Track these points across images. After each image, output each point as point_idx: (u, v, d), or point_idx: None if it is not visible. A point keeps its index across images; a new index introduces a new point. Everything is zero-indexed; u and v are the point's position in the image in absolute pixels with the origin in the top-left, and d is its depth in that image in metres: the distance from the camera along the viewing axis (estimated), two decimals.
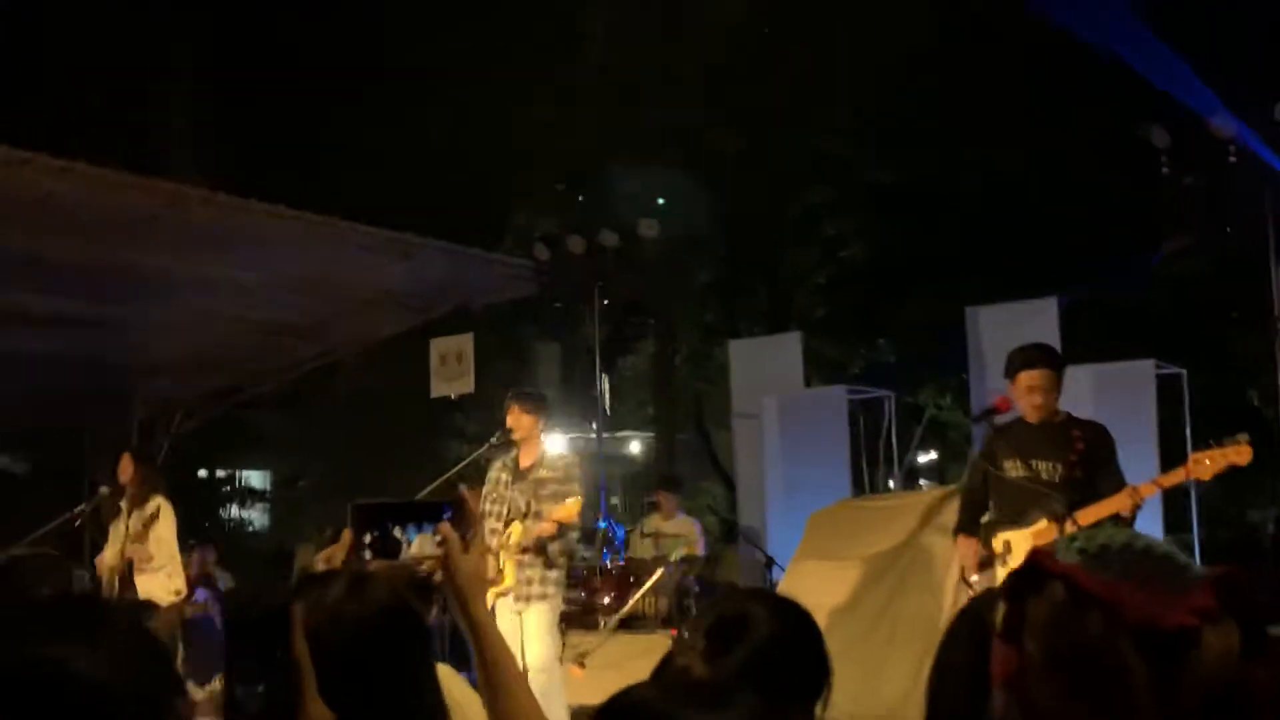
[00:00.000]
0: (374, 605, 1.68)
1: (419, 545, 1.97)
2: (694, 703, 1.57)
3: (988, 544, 5.44)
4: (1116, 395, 8.78)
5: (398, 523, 1.98)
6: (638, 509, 14.77)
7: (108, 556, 7.81)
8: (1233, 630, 1.13)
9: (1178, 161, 9.32)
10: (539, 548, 6.27)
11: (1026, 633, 1.16)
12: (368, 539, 1.96)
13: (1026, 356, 5.43)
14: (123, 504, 7.83)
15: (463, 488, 2.01)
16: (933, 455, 19.34)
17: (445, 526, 1.95)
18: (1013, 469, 5.39)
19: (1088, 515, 4.98)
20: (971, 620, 1.76)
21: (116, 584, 7.57)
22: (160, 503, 7.79)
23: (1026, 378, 5.35)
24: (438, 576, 1.96)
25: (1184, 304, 12.87)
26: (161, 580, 7.66)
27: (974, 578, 5.47)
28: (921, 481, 17.44)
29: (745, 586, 8.39)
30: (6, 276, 8.62)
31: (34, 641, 0.98)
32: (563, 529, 6.27)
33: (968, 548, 5.50)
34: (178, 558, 7.89)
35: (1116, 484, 5.19)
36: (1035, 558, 1.20)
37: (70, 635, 0.99)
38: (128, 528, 7.66)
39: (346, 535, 1.94)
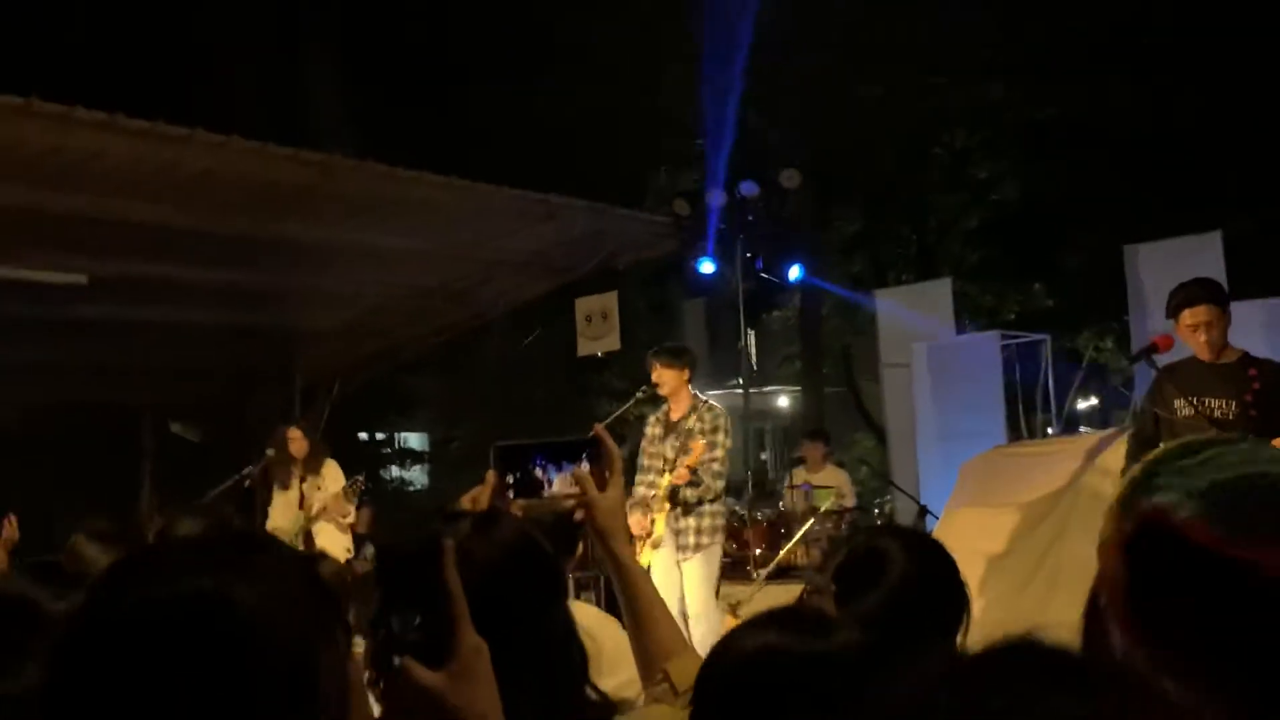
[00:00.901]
0: (500, 544, 1.69)
1: (560, 484, 1.99)
2: (803, 630, 1.57)
3: None
4: None
5: (539, 463, 2.00)
6: (787, 463, 14.69)
7: (283, 524, 8.24)
8: None
9: None
10: (672, 496, 6.29)
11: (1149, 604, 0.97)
12: (510, 479, 1.99)
13: (1187, 293, 5.23)
14: (294, 469, 8.30)
15: (598, 426, 2.01)
16: (1093, 401, 18.79)
17: (580, 468, 1.96)
18: (1183, 408, 5.20)
19: None
20: None
21: (300, 544, 8.02)
22: (331, 465, 8.32)
23: (1190, 315, 5.15)
24: (579, 514, 1.98)
25: None
26: (337, 537, 8.15)
27: None
28: (1082, 428, 16.97)
29: (879, 524, 8.30)
30: (171, 251, 8.98)
31: (193, 573, 1.00)
32: (695, 475, 6.27)
33: None
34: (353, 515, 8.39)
35: None
36: (1151, 517, 0.98)
37: (229, 568, 1.01)
38: (303, 494, 8.11)
39: (490, 476, 1.96)
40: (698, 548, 6.34)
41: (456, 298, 11.53)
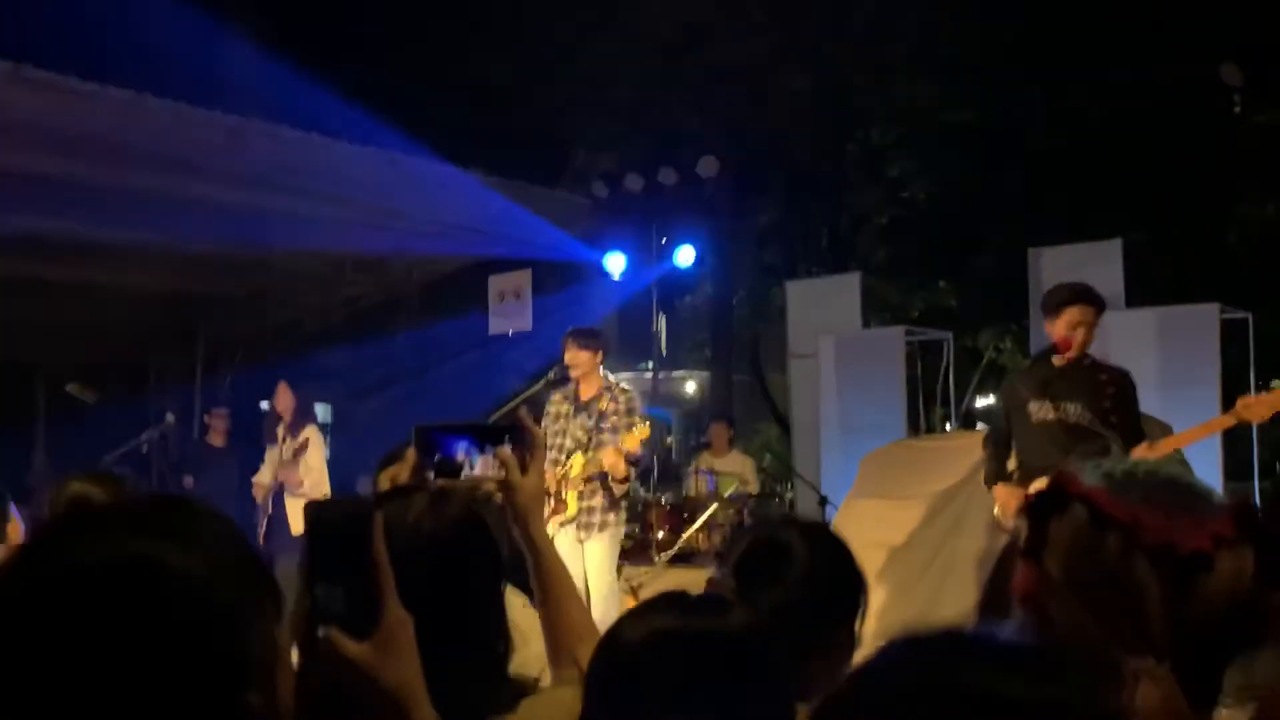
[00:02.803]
0: (450, 521, 1.72)
1: (482, 466, 2.01)
2: (698, 611, 1.60)
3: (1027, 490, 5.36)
4: (1180, 339, 8.68)
5: (461, 445, 2.02)
6: (691, 447, 14.80)
7: (264, 477, 8.37)
8: (1247, 556, 1.16)
9: (1250, 100, 9.09)
10: (600, 478, 6.32)
11: (1047, 552, 1.21)
12: (432, 460, 2.01)
13: (1074, 291, 5.25)
14: (279, 430, 8.33)
15: (522, 411, 2.03)
16: (990, 399, 19.19)
17: (504, 450, 1.99)
18: (1039, 410, 5.22)
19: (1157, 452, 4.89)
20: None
21: (270, 504, 8.16)
22: (311, 432, 8.30)
23: (1076, 312, 5.16)
24: (498, 497, 2.01)
25: (1252, 247, 12.60)
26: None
27: (1012, 524, 5.39)
28: (979, 425, 17.33)
29: (778, 515, 8.41)
30: (76, 207, 8.77)
31: (127, 538, 1.00)
32: (630, 458, 6.30)
33: (1009, 494, 5.30)
34: (325, 484, 8.36)
35: (1138, 434, 5.05)
36: (1059, 480, 1.23)
37: (163, 533, 1.02)
38: (281, 453, 8.15)
39: (410, 455, 1.98)
40: (602, 527, 6.38)
41: (367, 268, 11.43)
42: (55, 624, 0.95)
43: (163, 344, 12.59)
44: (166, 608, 0.98)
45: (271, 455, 8.47)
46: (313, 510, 1.30)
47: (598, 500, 6.37)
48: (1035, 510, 1.24)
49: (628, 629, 1.60)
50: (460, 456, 2.02)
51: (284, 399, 8.37)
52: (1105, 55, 12.41)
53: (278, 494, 8.23)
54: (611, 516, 6.43)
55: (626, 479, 6.38)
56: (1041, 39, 12.92)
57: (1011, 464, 5.50)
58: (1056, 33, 12.79)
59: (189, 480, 9.43)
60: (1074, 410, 5.15)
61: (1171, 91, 11.55)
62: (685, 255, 10.99)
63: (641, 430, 6.27)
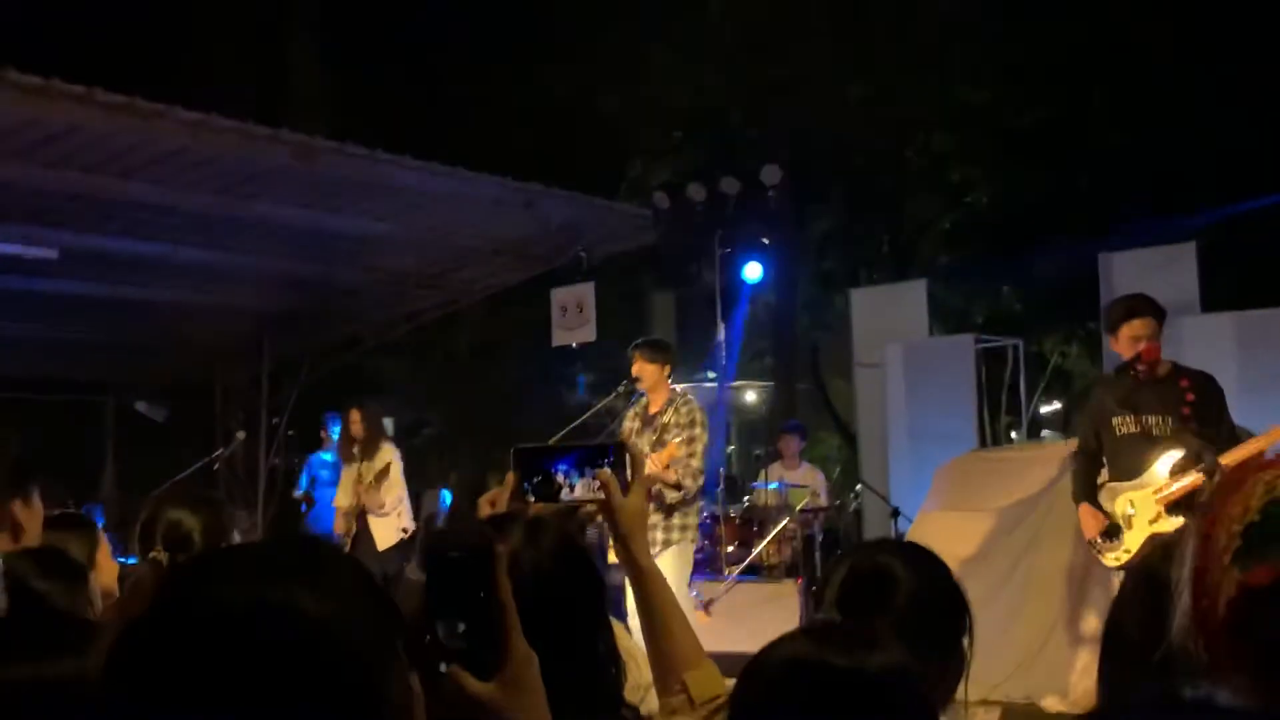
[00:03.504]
0: (549, 553, 1.67)
1: (582, 489, 1.96)
2: (845, 646, 1.55)
3: (1110, 508, 5.29)
4: (1260, 344, 8.50)
5: (559, 467, 1.97)
6: (752, 458, 14.68)
7: (343, 500, 8.57)
8: None
9: None
10: (657, 493, 6.26)
11: (1258, 643, 1.03)
12: (531, 483, 1.96)
13: (1128, 306, 5.31)
14: (355, 451, 8.54)
15: (621, 435, 1.98)
16: (1056, 405, 18.94)
17: (604, 471, 1.93)
18: (1122, 425, 5.27)
19: (1230, 460, 4.82)
20: (1149, 575, 1.69)
21: (354, 524, 8.37)
22: (389, 453, 8.54)
23: (1131, 328, 5.21)
24: (599, 520, 1.95)
25: None
26: (392, 521, 8.41)
27: (1099, 543, 5.32)
28: (1044, 432, 17.10)
29: (872, 539, 8.31)
30: (143, 227, 8.87)
31: (260, 581, 0.97)
32: (676, 473, 6.22)
33: (1089, 517, 5.35)
34: (406, 500, 8.66)
35: (1229, 435, 5.06)
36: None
37: (295, 576, 0.98)
38: (360, 474, 8.37)
39: (510, 478, 1.93)
40: (667, 544, 6.31)
41: (430, 283, 11.47)
42: (191, 674, 0.92)
43: (228, 361, 12.70)
44: (303, 654, 0.94)
45: (348, 475, 8.61)
46: (432, 543, 1.26)
47: (657, 517, 6.30)
48: (1256, 607, 1.03)
49: (773, 658, 1.56)
50: (560, 479, 1.97)
51: (356, 422, 8.58)
52: (1176, 54, 12.20)
53: (360, 513, 8.40)
54: (675, 534, 6.35)
55: (677, 486, 6.28)
56: (1107, 37, 12.73)
57: (1103, 477, 5.44)
58: (1123, 31, 12.60)
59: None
60: (1155, 422, 5.18)
61: (1244, 89, 11.33)
62: (753, 270, 10.89)
63: (673, 444, 6.20)
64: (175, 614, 0.96)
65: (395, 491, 8.48)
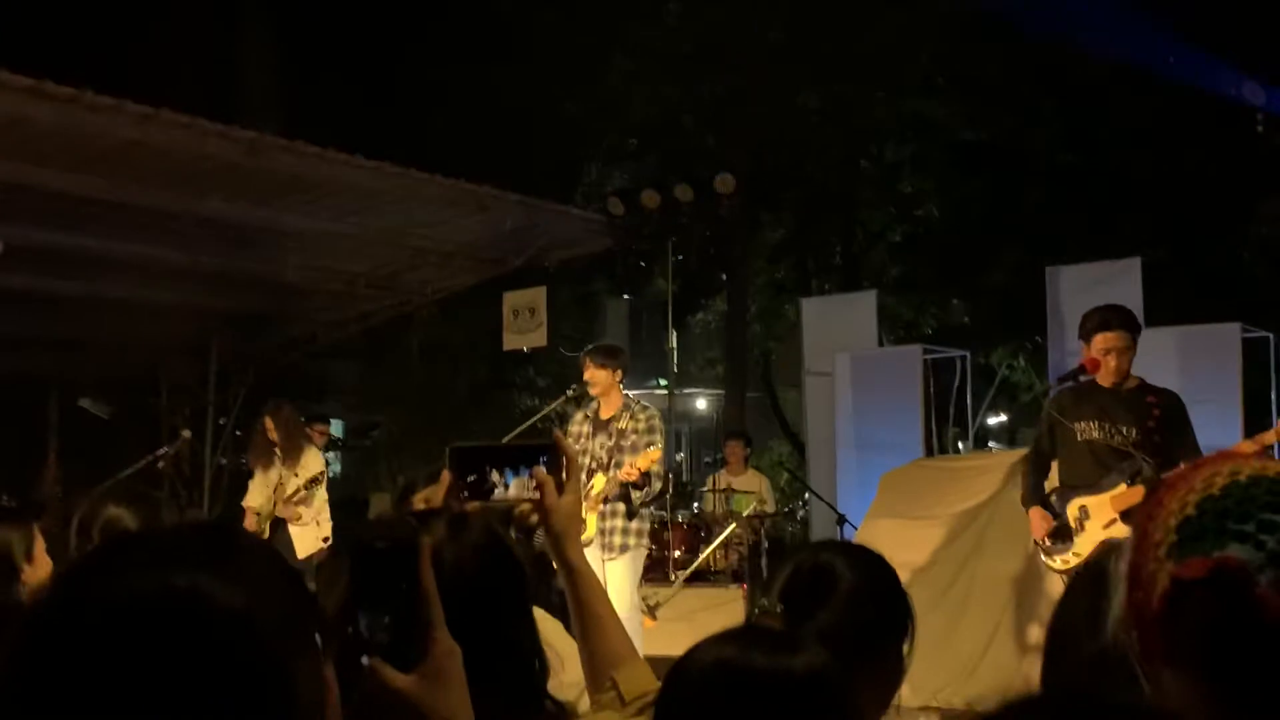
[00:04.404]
0: (472, 546, 1.67)
1: (516, 488, 1.97)
2: (768, 648, 1.57)
3: (1061, 511, 5.35)
4: (1201, 358, 8.62)
5: (494, 465, 1.97)
6: (702, 466, 14.76)
7: (258, 502, 8.20)
8: None
9: (1273, 120, 9.05)
10: (623, 496, 6.28)
11: (1188, 636, 1.03)
12: (466, 480, 1.96)
13: (1103, 317, 5.35)
14: (276, 452, 8.14)
15: (556, 432, 1.99)
16: (1003, 418, 19.13)
17: (540, 470, 1.94)
18: (1087, 430, 5.31)
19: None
20: (1094, 574, 1.72)
21: (266, 530, 7.95)
22: (321, 465, 8.22)
23: (1104, 339, 5.26)
24: (534, 519, 1.96)
25: (1272, 267, 12.54)
26: (312, 530, 8.07)
27: (1047, 544, 5.39)
28: (991, 443, 17.27)
29: (816, 540, 8.37)
30: (90, 221, 8.77)
31: (166, 570, 0.94)
32: (645, 477, 6.26)
33: (1039, 518, 5.39)
34: (326, 511, 8.28)
35: (1193, 452, 5.08)
36: (1226, 568, 1.01)
37: (205, 564, 0.96)
38: (281, 479, 8.02)
39: (445, 476, 1.94)
40: (623, 549, 6.33)
41: (382, 284, 11.40)
42: (91, 662, 0.89)
43: (175, 359, 12.56)
44: (210, 645, 0.91)
45: (263, 479, 8.24)
46: (356, 536, 1.26)
47: (618, 521, 6.33)
48: (1184, 593, 1.02)
49: (696, 661, 1.57)
50: (494, 477, 1.98)
51: (270, 429, 8.14)
52: (1124, 74, 12.38)
53: (277, 519, 8.07)
54: (633, 539, 6.38)
55: (643, 486, 6.31)
56: (1057, 56, 12.90)
57: (1052, 480, 5.50)
58: (1073, 51, 12.77)
59: None
60: (1121, 431, 5.21)
61: (1192, 110, 11.53)
62: None
63: (655, 451, 6.24)
64: (72, 605, 0.93)
65: (316, 504, 8.15)
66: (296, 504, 8.03)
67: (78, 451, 12.74)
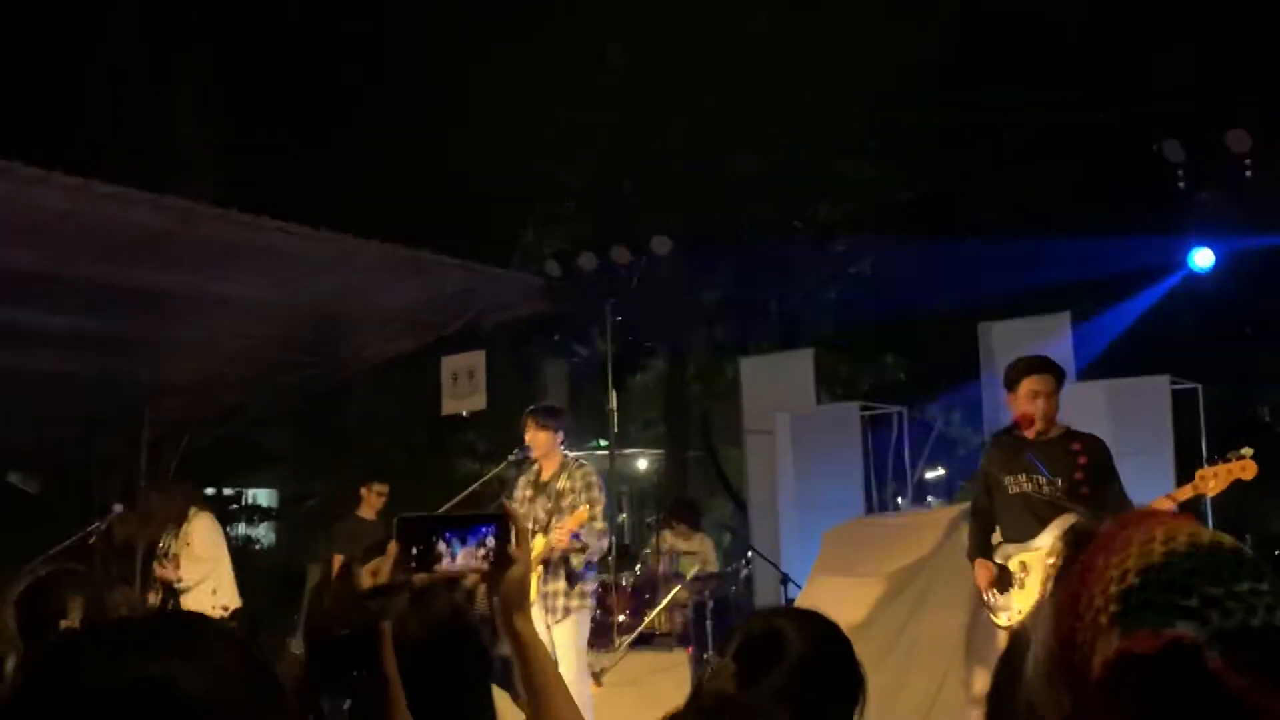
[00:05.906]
0: (435, 622, 1.65)
1: (464, 558, 1.94)
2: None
3: (1004, 565, 5.38)
4: (1131, 410, 8.76)
5: (441, 536, 1.95)
6: (644, 527, 14.70)
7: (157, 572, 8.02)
8: None
9: (1194, 176, 9.30)
10: (564, 558, 6.22)
11: (1134, 705, 1.00)
12: (412, 552, 1.94)
13: (1028, 364, 5.42)
14: (168, 530, 8.02)
15: (505, 501, 1.98)
16: (940, 471, 19.27)
17: (488, 540, 1.92)
18: (1014, 485, 5.33)
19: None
20: (1017, 641, 1.72)
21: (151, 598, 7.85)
22: (194, 524, 7.99)
23: (1030, 383, 5.31)
24: (481, 590, 1.94)
25: (1201, 320, 12.81)
26: (204, 598, 7.77)
27: (993, 600, 5.41)
28: (930, 498, 17.37)
29: (767, 606, 8.34)
30: (19, 294, 8.62)
31: (135, 657, 0.95)
32: (575, 538, 6.21)
33: (983, 571, 5.42)
34: (220, 573, 8.03)
35: (1120, 500, 5.11)
36: (1180, 646, 1.00)
37: (171, 651, 0.97)
38: (167, 546, 7.89)
39: (392, 547, 1.91)
40: (567, 611, 6.26)
41: (317, 350, 11.30)
42: None
43: (106, 431, 12.32)
44: None
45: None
46: (315, 622, 1.25)
47: (560, 584, 6.26)
48: (1140, 679, 1.00)
49: None
50: (441, 548, 1.95)
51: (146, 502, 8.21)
52: (1050, 130, 12.68)
53: (169, 588, 7.90)
54: (575, 601, 6.31)
55: (583, 549, 6.26)
56: (986, 114, 13.19)
57: (996, 537, 5.52)
58: (1001, 109, 13.07)
59: None
60: (1045, 482, 5.22)
61: (1118, 166, 11.81)
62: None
63: (582, 511, 6.19)
64: (43, 696, 0.93)
65: (204, 566, 7.97)
66: (163, 569, 7.85)
67: (8, 528, 12.43)
